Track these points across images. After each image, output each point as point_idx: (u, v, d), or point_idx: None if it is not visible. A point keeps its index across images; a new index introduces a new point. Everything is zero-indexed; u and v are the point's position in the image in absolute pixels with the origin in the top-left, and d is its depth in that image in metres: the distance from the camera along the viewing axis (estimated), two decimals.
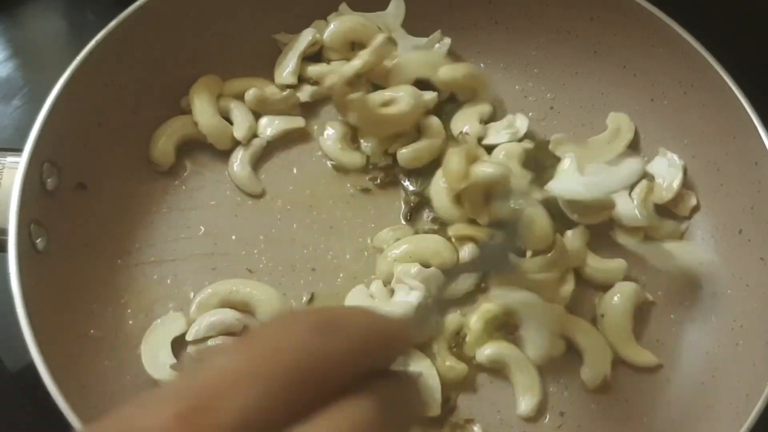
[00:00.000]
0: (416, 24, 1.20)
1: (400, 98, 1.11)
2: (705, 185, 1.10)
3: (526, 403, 0.97)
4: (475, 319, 1.00)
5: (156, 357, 0.97)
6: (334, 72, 1.10)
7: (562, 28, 1.18)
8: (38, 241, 0.94)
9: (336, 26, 1.17)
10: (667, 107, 1.13)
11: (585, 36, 1.17)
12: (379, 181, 1.12)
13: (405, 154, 1.10)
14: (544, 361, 0.99)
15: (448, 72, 1.14)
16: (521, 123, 1.15)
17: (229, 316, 0.99)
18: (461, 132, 1.12)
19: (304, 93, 1.16)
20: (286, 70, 1.16)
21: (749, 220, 1.03)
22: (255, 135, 1.13)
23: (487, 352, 0.99)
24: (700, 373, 1.00)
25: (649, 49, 1.12)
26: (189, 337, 0.98)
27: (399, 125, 1.11)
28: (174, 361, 0.97)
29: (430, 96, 1.14)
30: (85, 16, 1.35)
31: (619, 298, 1.02)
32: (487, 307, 1.01)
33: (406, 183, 1.12)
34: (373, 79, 1.14)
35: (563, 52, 1.19)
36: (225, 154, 1.12)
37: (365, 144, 1.13)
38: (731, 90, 1.03)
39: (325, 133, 1.14)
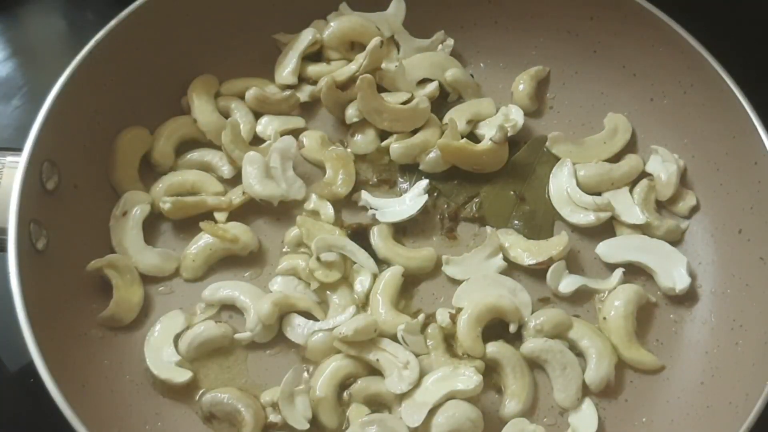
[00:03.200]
0: (416, 23, 1.20)
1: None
2: (705, 185, 1.10)
3: (510, 408, 0.97)
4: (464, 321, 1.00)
5: (160, 355, 0.98)
6: (326, 76, 1.12)
7: (562, 28, 1.18)
8: (38, 240, 0.94)
9: (335, 26, 1.17)
10: (667, 107, 1.13)
11: (585, 36, 1.17)
12: (375, 180, 1.12)
13: (397, 149, 1.11)
14: (573, 407, 0.99)
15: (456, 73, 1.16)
16: (517, 114, 1.15)
17: (212, 329, 1.00)
18: (444, 123, 1.14)
19: (304, 93, 1.16)
20: (286, 69, 1.16)
21: (749, 220, 1.03)
22: (254, 134, 1.14)
23: (489, 350, 0.99)
24: (700, 373, 1.00)
25: (649, 49, 1.12)
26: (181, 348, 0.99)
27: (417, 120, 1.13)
28: (178, 358, 0.97)
29: (432, 86, 1.15)
30: (84, 16, 1.35)
31: (621, 302, 1.02)
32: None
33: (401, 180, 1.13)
34: (379, 81, 1.14)
35: (563, 51, 1.19)
36: None
37: (358, 137, 1.14)
38: (731, 89, 1.03)
39: (303, 141, 1.14)
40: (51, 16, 1.37)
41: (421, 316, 1.01)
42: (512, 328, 1.01)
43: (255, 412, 0.94)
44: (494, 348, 0.99)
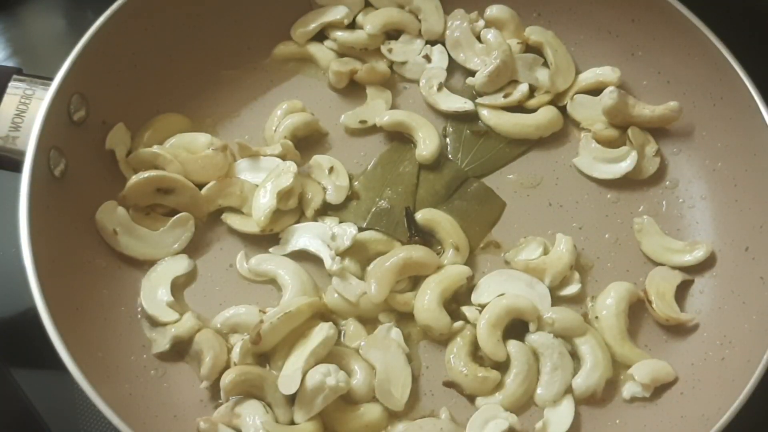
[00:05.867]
0: (454, 7, 1.21)
1: None
2: (720, 198, 1.09)
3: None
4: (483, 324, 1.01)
5: (154, 293, 1.01)
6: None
7: (603, 27, 1.18)
8: (56, 167, 0.98)
9: (377, 18, 1.18)
10: (695, 117, 1.12)
11: (625, 37, 1.17)
12: None
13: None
14: (545, 406, 0.99)
15: None
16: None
17: (251, 312, 1.01)
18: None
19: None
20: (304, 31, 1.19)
21: (758, 239, 1.02)
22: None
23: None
24: (682, 383, 0.99)
25: (685, 57, 1.11)
26: (214, 325, 1.00)
27: None
28: (171, 299, 1.00)
29: None
30: (84, 16, 1.38)
31: (613, 300, 1.02)
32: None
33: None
34: None
35: (602, 51, 1.19)
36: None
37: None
38: (757, 107, 1.02)
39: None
40: (51, 16, 1.40)
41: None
42: (532, 328, 1.01)
43: (216, 355, 0.96)
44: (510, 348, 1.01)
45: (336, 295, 1.01)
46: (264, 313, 0.98)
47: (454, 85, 1.19)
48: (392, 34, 1.21)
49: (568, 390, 0.99)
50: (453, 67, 1.20)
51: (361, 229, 1.06)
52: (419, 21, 1.20)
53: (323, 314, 1.02)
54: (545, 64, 1.18)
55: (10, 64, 1.33)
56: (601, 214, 1.11)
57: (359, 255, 1.05)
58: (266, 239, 1.06)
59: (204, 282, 1.05)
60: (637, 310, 1.04)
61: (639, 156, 1.12)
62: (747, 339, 0.97)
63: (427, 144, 1.11)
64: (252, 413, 0.93)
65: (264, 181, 1.06)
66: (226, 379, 0.93)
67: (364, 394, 0.96)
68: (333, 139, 1.15)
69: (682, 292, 1.06)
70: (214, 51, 1.17)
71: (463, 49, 1.19)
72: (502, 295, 1.03)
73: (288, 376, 0.93)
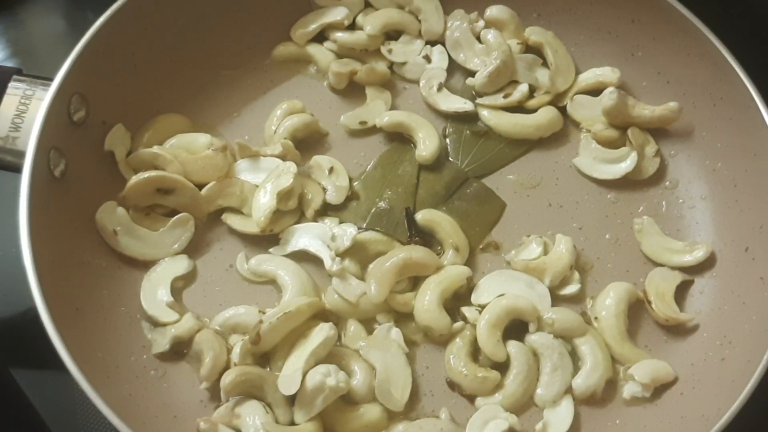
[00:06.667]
0: (449, 4, 1.21)
1: None
2: (720, 199, 1.09)
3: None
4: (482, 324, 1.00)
5: (154, 293, 1.01)
6: None
7: (603, 28, 1.18)
8: (56, 167, 0.98)
9: (377, 19, 1.19)
10: (695, 117, 1.12)
11: (625, 38, 1.17)
12: None
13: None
14: (545, 406, 0.99)
15: None
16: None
17: (250, 312, 1.01)
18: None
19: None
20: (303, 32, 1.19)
21: (757, 239, 1.02)
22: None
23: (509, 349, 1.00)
24: (682, 383, 0.99)
25: (685, 58, 1.11)
26: (213, 325, 1.00)
27: None
28: (171, 299, 1.00)
29: None
30: (84, 16, 1.38)
31: (612, 300, 1.02)
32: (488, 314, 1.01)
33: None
34: None
35: (602, 51, 1.19)
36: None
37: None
38: (757, 107, 1.02)
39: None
40: (51, 16, 1.40)
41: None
42: (532, 328, 1.01)
43: (216, 356, 0.96)
44: (510, 348, 1.00)
45: (336, 295, 1.01)
46: (264, 313, 0.98)
47: (454, 85, 1.19)
48: (392, 34, 1.21)
49: (568, 390, 0.99)
50: (453, 67, 1.20)
51: (361, 230, 1.06)
52: (419, 21, 1.20)
53: (323, 314, 1.02)
54: (545, 64, 1.18)
55: (10, 64, 1.33)
56: (601, 214, 1.11)
57: (359, 255, 1.05)
58: (266, 239, 1.06)
59: (204, 282, 1.04)
60: (636, 310, 1.04)
61: (639, 156, 1.12)
62: (747, 339, 0.97)
63: (426, 144, 1.11)
64: (252, 413, 0.93)
65: (264, 182, 1.06)
66: (226, 379, 0.93)
67: (364, 394, 0.96)
68: (333, 139, 1.14)
69: (682, 293, 1.06)
70: (214, 51, 1.17)
71: (463, 49, 1.19)
72: (502, 295, 1.03)
73: (288, 376, 0.93)
